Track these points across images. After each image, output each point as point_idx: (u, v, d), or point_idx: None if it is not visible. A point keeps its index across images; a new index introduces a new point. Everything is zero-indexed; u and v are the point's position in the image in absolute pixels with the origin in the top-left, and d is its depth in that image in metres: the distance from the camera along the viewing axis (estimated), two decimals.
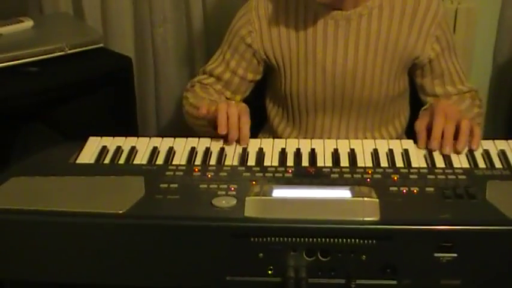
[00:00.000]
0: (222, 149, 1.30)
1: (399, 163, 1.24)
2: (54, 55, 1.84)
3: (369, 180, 1.15)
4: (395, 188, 1.11)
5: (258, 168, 1.21)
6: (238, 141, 1.32)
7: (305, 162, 1.25)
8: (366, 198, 1.07)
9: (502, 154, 1.26)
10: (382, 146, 1.29)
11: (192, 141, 1.33)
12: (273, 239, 1.04)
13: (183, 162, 1.26)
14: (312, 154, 1.27)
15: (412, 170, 1.19)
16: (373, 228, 1.03)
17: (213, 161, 1.26)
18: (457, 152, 1.27)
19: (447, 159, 1.25)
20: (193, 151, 1.29)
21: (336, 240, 1.03)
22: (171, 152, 1.29)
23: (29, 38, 1.92)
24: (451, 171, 1.18)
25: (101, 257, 1.09)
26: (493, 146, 1.29)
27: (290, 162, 1.25)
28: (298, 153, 1.27)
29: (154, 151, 1.29)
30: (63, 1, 2.19)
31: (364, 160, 1.25)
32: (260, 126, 1.70)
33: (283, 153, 1.28)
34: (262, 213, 1.05)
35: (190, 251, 1.06)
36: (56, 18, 2.16)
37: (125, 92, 1.99)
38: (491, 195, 1.10)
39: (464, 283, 1.06)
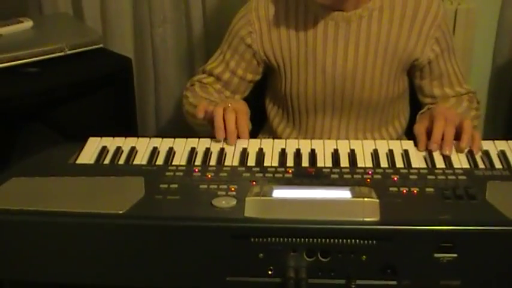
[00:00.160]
0: (222, 150, 1.30)
1: (399, 163, 1.24)
2: (53, 55, 1.84)
3: (369, 180, 1.15)
4: (395, 189, 1.11)
5: (258, 169, 1.21)
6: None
7: (305, 162, 1.25)
8: (366, 199, 1.07)
9: (502, 154, 1.26)
10: (382, 147, 1.29)
11: (192, 142, 1.33)
12: (273, 239, 1.03)
13: (183, 162, 1.26)
14: (312, 154, 1.27)
15: (412, 171, 1.19)
16: (373, 228, 1.03)
17: (213, 161, 1.26)
18: (460, 150, 1.27)
19: (447, 159, 1.25)
20: (193, 151, 1.29)
21: (336, 240, 1.03)
22: (171, 153, 1.28)
23: (29, 38, 1.92)
24: (451, 171, 1.18)
25: (100, 257, 1.08)
26: (493, 147, 1.29)
27: (290, 162, 1.25)
28: (298, 154, 1.27)
29: (154, 151, 1.29)
30: (62, 1, 2.19)
31: (364, 160, 1.25)
32: (260, 126, 1.70)
33: (283, 154, 1.28)
34: (262, 213, 1.05)
35: (190, 251, 1.05)
36: (55, 18, 2.16)
37: (124, 93, 1.99)
38: (491, 195, 1.10)
39: (464, 283, 1.05)
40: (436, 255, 1.03)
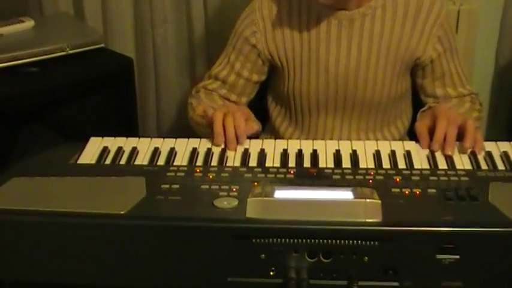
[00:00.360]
0: (224, 150, 1.30)
1: (401, 164, 1.23)
2: (54, 55, 1.84)
3: (371, 181, 1.15)
4: (397, 190, 1.11)
5: (259, 169, 1.20)
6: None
7: (307, 163, 1.25)
8: (368, 200, 1.06)
9: (505, 156, 1.26)
10: (384, 147, 1.29)
11: (194, 142, 1.32)
12: (274, 240, 1.03)
13: (185, 163, 1.25)
14: (314, 155, 1.27)
15: (414, 172, 1.18)
16: (375, 229, 1.03)
17: (214, 161, 1.26)
18: (464, 150, 1.26)
19: (449, 160, 1.24)
20: (194, 152, 1.29)
21: (337, 241, 1.03)
22: (172, 153, 1.28)
23: (30, 38, 1.92)
24: (453, 172, 1.18)
25: (101, 257, 1.08)
26: (496, 148, 1.28)
27: (292, 163, 1.25)
28: (300, 154, 1.27)
29: (156, 152, 1.29)
30: (63, 1, 2.19)
31: (366, 161, 1.24)
32: (262, 126, 1.69)
33: (284, 154, 1.27)
34: (263, 214, 1.05)
35: (191, 252, 1.05)
36: (56, 18, 2.16)
37: (125, 93, 1.99)
38: (493, 197, 1.09)
39: (466, 285, 1.05)
40: (438, 256, 1.03)
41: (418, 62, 1.53)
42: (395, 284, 1.05)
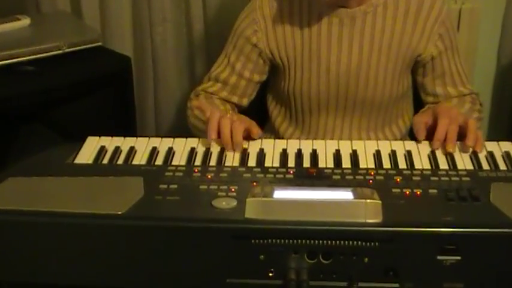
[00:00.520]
0: (222, 150, 1.29)
1: (402, 164, 1.23)
2: (51, 54, 1.82)
3: (371, 181, 1.14)
4: (398, 190, 1.10)
5: (258, 169, 1.20)
6: None
7: (306, 163, 1.24)
8: (368, 200, 1.06)
9: (507, 156, 1.25)
10: (385, 147, 1.28)
11: (192, 142, 1.32)
12: (274, 241, 1.02)
13: (183, 162, 1.25)
14: (314, 155, 1.27)
15: (415, 172, 1.18)
16: (376, 230, 1.02)
17: (213, 161, 1.25)
18: (466, 149, 1.26)
19: (451, 160, 1.24)
20: (193, 151, 1.28)
21: (337, 242, 1.02)
22: (170, 153, 1.28)
23: (26, 36, 1.91)
24: (454, 173, 1.17)
25: (99, 258, 1.07)
26: (497, 148, 1.28)
27: (291, 163, 1.24)
28: (299, 154, 1.27)
29: (154, 151, 1.28)
30: None
31: (367, 161, 1.24)
32: (261, 126, 1.68)
33: (284, 154, 1.27)
34: (263, 214, 1.04)
35: (190, 252, 1.05)
36: (53, 16, 2.15)
37: (123, 92, 1.98)
38: (495, 197, 1.09)
39: (468, 287, 1.04)
40: (439, 257, 1.02)
41: (419, 60, 1.53)
42: (396, 285, 1.05)
